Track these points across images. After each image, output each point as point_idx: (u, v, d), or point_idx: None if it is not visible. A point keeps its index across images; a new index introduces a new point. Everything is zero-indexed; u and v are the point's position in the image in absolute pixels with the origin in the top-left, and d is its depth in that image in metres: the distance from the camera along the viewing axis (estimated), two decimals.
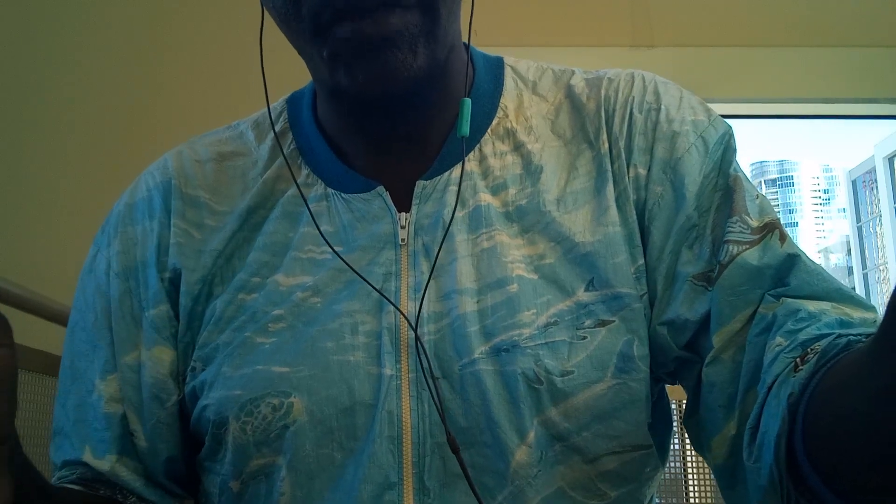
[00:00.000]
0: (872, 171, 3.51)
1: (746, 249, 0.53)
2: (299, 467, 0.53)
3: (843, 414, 0.40)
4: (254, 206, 0.60)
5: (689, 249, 0.55)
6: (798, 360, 0.46)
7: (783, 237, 0.54)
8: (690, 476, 1.55)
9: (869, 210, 4.10)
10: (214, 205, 0.61)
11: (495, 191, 0.58)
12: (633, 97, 0.60)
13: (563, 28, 1.95)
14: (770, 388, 0.47)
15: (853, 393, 0.39)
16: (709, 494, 1.51)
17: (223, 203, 0.61)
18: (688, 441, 1.59)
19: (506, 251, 0.56)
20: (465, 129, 0.56)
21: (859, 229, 4.17)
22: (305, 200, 0.58)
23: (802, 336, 0.48)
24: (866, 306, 0.51)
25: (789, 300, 0.51)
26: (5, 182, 1.80)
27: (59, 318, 1.24)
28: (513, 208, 0.57)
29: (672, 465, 1.54)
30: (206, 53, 1.90)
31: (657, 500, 0.62)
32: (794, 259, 0.53)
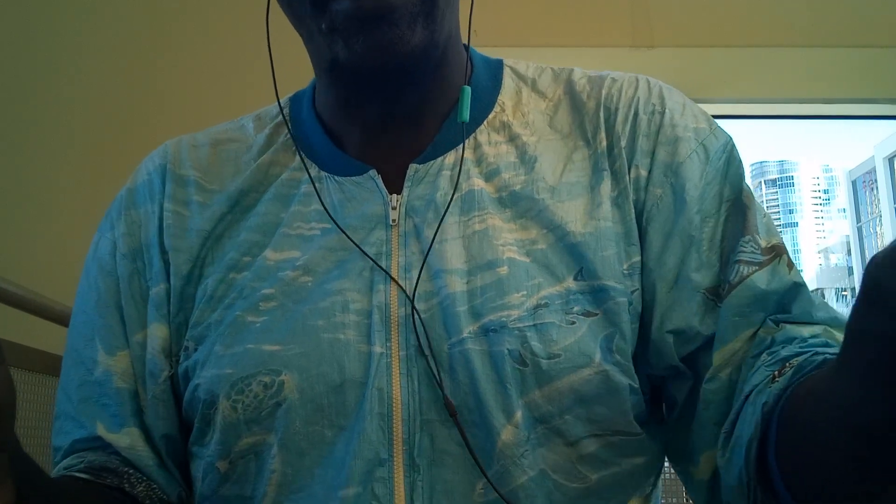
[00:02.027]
0: (872, 171, 3.52)
1: (756, 271, 0.54)
2: (290, 445, 0.53)
3: (807, 425, 0.43)
4: (246, 188, 0.61)
5: (696, 254, 0.56)
6: (776, 372, 0.49)
7: (790, 265, 0.55)
8: None
9: (869, 210, 4.10)
10: (204, 182, 0.62)
11: (488, 177, 0.59)
12: (638, 98, 0.60)
13: (563, 28, 1.95)
14: (747, 397, 0.50)
15: (818, 406, 0.42)
16: None
17: (213, 182, 0.62)
18: None
19: (497, 234, 0.56)
20: (466, 114, 0.58)
21: (859, 229, 4.17)
22: (310, 175, 0.59)
23: (784, 353, 0.51)
24: None
25: (789, 326, 0.53)
26: (5, 182, 1.80)
27: (59, 318, 1.24)
28: (506, 193, 0.58)
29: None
30: (207, 54, 1.90)
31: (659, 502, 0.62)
32: (798, 288, 0.54)
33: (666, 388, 0.59)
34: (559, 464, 0.53)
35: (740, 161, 0.59)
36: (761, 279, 0.54)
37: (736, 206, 0.57)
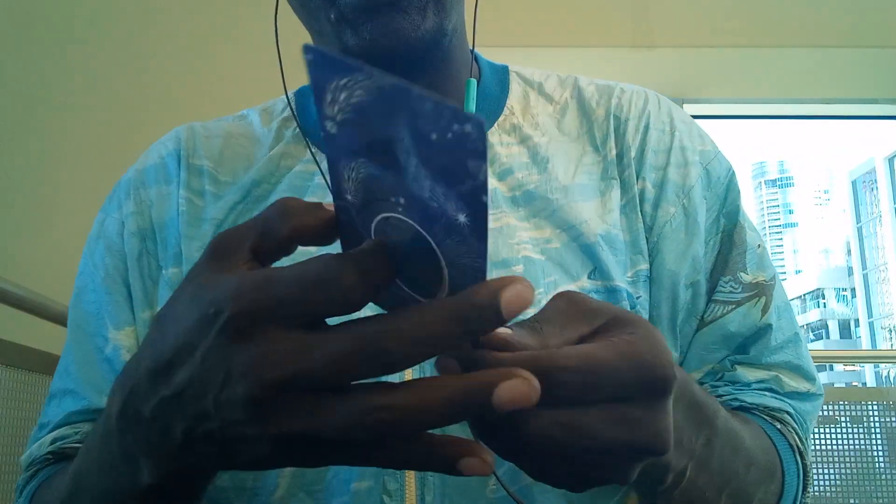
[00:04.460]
0: (872, 171, 3.54)
1: (731, 310, 0.57)
2: None
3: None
4: (258, 179, 0.61)
5: (703, 279, 0.58)
6: None
7: (766, 306, 0.58)
8: None
9: (869, 210, 4.11)
10: (217, 174, 0.62)
11: (502, 176, 0.59)
12: (649, 112, 0.61)
13: (564, 28, 1.95)
14: None
15: None
16: None
17: (226, 174, 0.62)
18: None
19: (512, 233, 0.57)
20: (471, 106, 0.58)
21: (859, 230, 4.19)
22: (318, 164, 0.59)
23: (720, 391, 0.56)
24: (808, 377, 0.58)
25: (741, 369, 0.57)
26: (5, 182, 1.80)
27: (59, 319, 1.24)
28: (520, 193, 0.58)
29: None
30: (207, 53, 1.90)
31: None
32: (763, 331, 0.57)
33: None
34: None
35: (738, 191, 0.60)
36: (733, 321, 0.57)
37: (726, 242, 0.59)
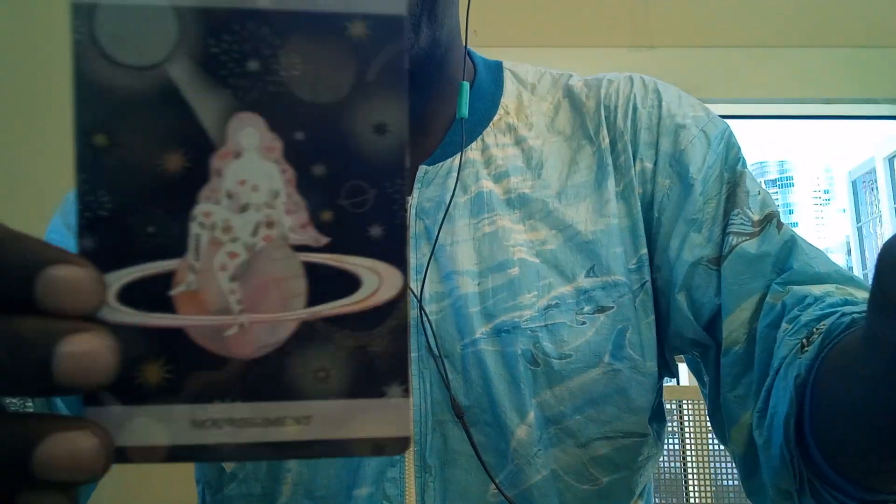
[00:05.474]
0: (872, 171, 3.52)
1: (746, 240, 0.54)
2: None
3: (839, 397, 0.41)
4: None
5: (698, 233, 0.56)
6: (804, 340, 0.47)
7: (780, 225, 0.54)
8: (690, 476, 1.55)
9: (869, 211, 4.10)
10: None
11: (497, 178, 0.59)
12: (635, 94, 0.61)
13: (563, 28, 1.95)
14: (777, 371, 0.48)
15: (848, 377, 0.40)
16: (708, 494, 1.51)
17: None
18: (687, 441, 1.60)
19: (508, 235, 0.56)
20: (464, 110, 0.59)
21: (859, 230, 4.17)
22: None
23: (805, 317, 0.48)
24: (867, 287, 0.50)
25: (796, 288, 0.51)
26: (6, 182, 1.80)
27: None
28: (515, 196, 0.58)
29: (672, 465, 1.54)
30: None
31: (656, 501, 0.62)
32: (791, 243, 0.53)
33: (703, 367, 0.58)
34: (571, 465, 0.54)
35: (739, 146, 0.59)
36: (751, 245, 0.53)
37: (731, 186, 0.57)
